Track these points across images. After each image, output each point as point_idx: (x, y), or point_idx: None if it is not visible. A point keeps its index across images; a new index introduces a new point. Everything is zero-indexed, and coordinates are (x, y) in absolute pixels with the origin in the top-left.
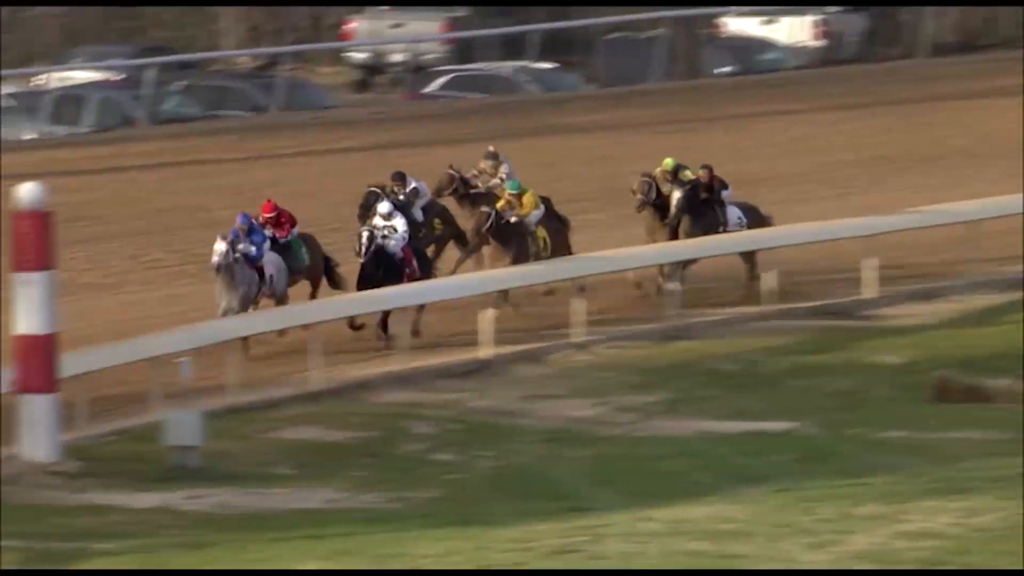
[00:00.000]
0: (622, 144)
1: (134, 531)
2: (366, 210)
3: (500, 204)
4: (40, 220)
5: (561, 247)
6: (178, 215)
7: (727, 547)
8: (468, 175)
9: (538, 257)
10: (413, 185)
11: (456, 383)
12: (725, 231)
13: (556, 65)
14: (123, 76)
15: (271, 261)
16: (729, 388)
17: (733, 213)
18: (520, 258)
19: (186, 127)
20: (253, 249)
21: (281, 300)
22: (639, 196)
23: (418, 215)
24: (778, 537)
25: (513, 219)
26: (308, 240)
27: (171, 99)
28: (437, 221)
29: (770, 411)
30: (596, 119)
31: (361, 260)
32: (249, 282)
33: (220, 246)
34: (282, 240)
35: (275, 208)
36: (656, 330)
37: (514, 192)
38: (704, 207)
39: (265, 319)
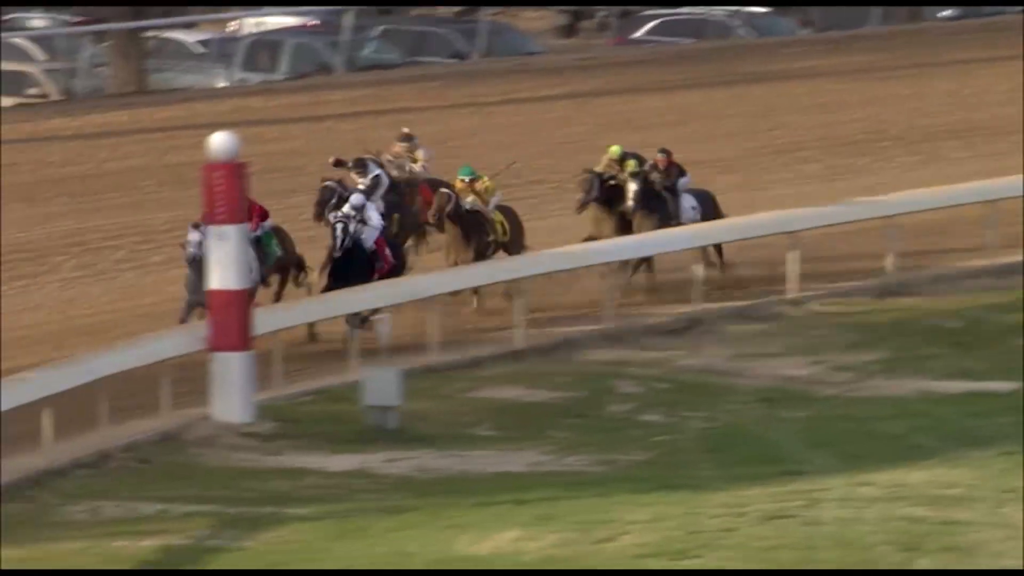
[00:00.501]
0: (840, 91)
1: (329, 495)
2: (322, 207)
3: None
4: (233, 171)
5: (517, 231)
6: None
7: (948, 513)
8: (383, 159)
9: (497, 244)
10: (376, 173)
11: (665, 341)
12: (678, 224)
13: (770, 9)
14: (320, 21)
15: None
16: (951, 346)
17: (687, 203)
18: (481, 247)
19: (385, 74)
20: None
21: (252, 295)
22: (580, 194)
23: (379, 205)
24: (1002, 502)
25: (471, 207)
26: (279, 233)
27: (369, 45)
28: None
29: (994, 370)
30: (812, 65)
31: (336, 254)
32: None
33: (195, 236)
34: (252, 234)
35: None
36: (874, 286)
37: (468, 178)
38: (657, 200)
39: (470, 274)
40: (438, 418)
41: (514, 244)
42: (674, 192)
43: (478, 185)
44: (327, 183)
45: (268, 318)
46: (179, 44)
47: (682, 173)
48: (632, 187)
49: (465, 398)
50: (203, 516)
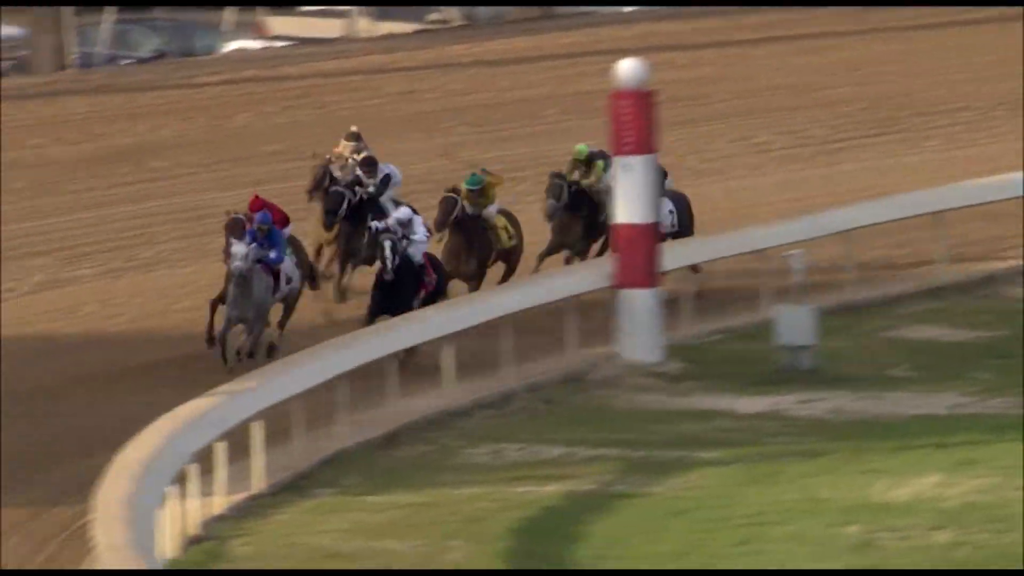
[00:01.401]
0: None
1: (739, 438)
2: (317, 187)
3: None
4: (641, 100)
5: (520, 236)
6: (789, 94)
7: None
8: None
9: (504, 249)
10: (385, 172)
11: None
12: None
13: None
14: None
15: (287, 263)
16: None
17: (664, 207)
18: (483, 257)
19: None
20: (273, 253)
21: (292, 307)
22: (550, 200)
23: (390, 207)
24: None
25: (473, 212)
26: (293, 242)
27: None
28: None
29: None
30: None
31: (387, 276)
32: (266, 289)
33: (240, 248)
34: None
35: (263, 204)
36: None
37: (475, 188)
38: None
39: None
40: (854, 358)
41: (516, 251)
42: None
43: (487, 192)
44: (334, 189)
45: (676, 254)
46: None
47: (664, 174)
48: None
49: (882, 337)
50: (608, 460)
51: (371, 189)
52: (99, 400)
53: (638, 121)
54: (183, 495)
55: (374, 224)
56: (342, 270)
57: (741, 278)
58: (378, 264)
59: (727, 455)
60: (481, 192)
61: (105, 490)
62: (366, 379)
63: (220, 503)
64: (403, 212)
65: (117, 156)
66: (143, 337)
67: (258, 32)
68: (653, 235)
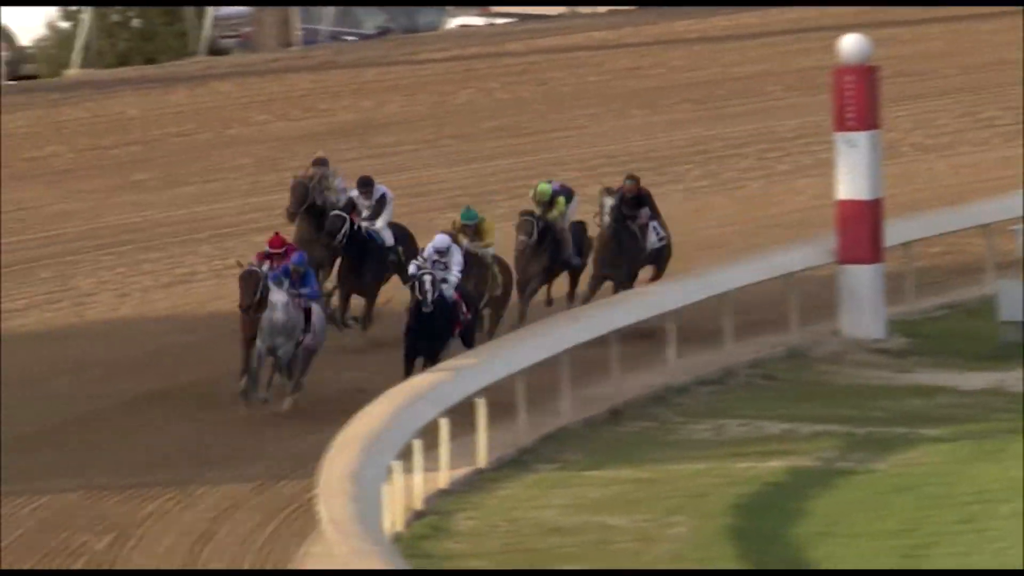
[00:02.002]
0: None
1: (964, 415)
2: (299, 206)
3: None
4: (865, 75)
5: (509, 284)
6: (1016, 69)
7: None
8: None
9: (493, 295)
10: (382, 192)
11: None
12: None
13: None
14: None
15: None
16: None
17: (653, 234)
18: (480, 295)
19: None
20: (308, 289)
21: (314, 351)
22: (520, 237)
23: (388, 236)
24: None
25: (474, 250)
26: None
27: None
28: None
29: None
30: None
31: (427, 308)
32: (296, 325)
33: (280, 297)
34: (277, 273)
35: (283, 243)
36: None
37: (471, 223)
38: (625, 233)
39: None
40: None
41: (502, 301)
42: (643, 223)
43: (485, 227)
44: (299, 179)
45: (899, 229)
46: None
47: (642, 203)
48: (606, 219)
49: None
50: (831, 436)
51: (366, 212)
52: (343, 369)
53: (861, 97)
54: (407, 470)
55: (414, 265)
56: (345, 299)
57: (963, 253)
58: (409, 302)
59: (951, 432)
60: (476, 229)
61: (329, 464)
62: (589, 355)
63: (444, 478)
64: (441, 241)
65: (341, 132)
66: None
67: (481, 9)
68: (877, 211)
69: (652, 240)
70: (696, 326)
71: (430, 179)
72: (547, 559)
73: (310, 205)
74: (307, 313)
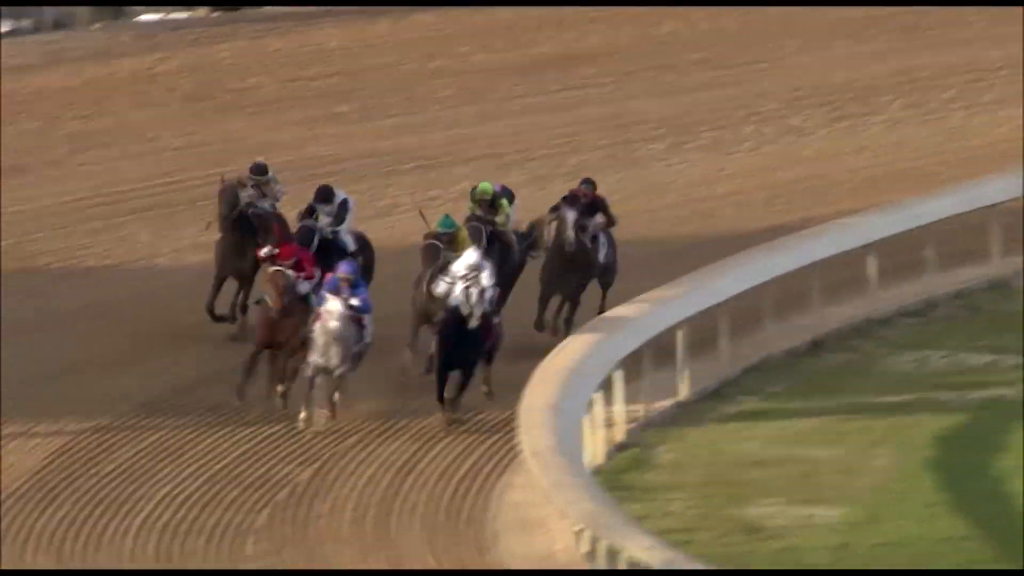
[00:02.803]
0: None
1: None
2: (230, 210)
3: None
4: None
5: None
6: None
7: None
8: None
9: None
10: (343, 198)
11: None
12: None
13: None
14: None
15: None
16: None
17: (602, 250)
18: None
19: None
20: (358, 300)
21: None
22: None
23: (350, 242)
24: None
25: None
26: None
27: None
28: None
29: None
30: None
31: (473, 323)
32: (351, 337)
33: (337, 306)
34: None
35: (296, 252)
36: None
37: (448, 231)
38: (580, 248)
39: None
40: None
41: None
42: (584, 229)
43: (461, 237)
44: (227, 184)
45: None
46: None
47: (596, 210)
48: (569, 235)
49: None
50: None
51: (327, 219)
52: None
53: None
54: (608, 401)
55: (443, 283)
56: None
57: None
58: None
59: None
60: (451, 238)
61: (531, 396)
62: (790, 285)
63: (645, 410)
64: (473, 257)
65: (544, 64)
66: None
67: None
68: None
69: (601, 255)
70: (898, 257)
71: (633, 111)
72: (748, 492)
73: (240, 212)
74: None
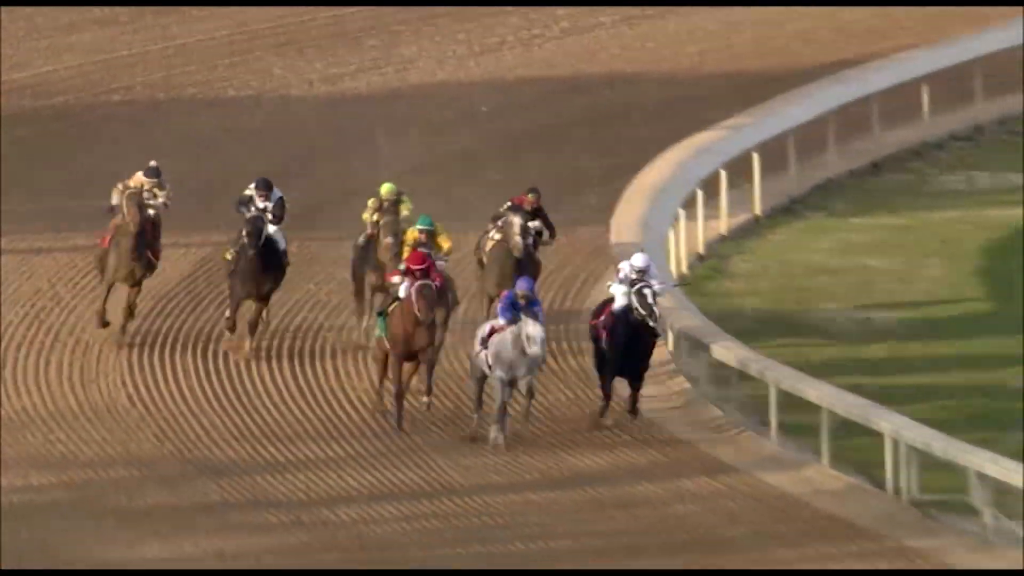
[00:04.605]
0: None
1: None
2: (143, 210)
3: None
4: None
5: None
6: None
7: None
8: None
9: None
10: (279, 195)
11: None
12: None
13: None
14: None
15: None
16: None
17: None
18: (447, 311)
19: None
20: (541, 317)
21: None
22: (387, 238)
23: (283, 241)
24: None
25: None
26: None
27: None
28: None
29: None
30: None
31: (653, 322)
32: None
33: (537, 331)
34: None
35: (424, 259)
36: None
37: (426, 229)
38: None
39: None
40: None
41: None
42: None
43: (441, 238)
44: (131, 191)
45: None
46: None
47: (536, 217)
48: (517, 240)
49: None
50: None
51: (269, 215)
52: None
53: None
54: (691, 217)
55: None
56: (238, 304)
57: None
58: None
59: None
60: (430, 236)
61: (621, 211)
62: (851, 112)
63: (723, 224)
64: (641, 260)
65: None
66: (658, 78)
67: None
68: None
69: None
70: (949, 87)
71: None
72: (814, 297)
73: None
74: None
